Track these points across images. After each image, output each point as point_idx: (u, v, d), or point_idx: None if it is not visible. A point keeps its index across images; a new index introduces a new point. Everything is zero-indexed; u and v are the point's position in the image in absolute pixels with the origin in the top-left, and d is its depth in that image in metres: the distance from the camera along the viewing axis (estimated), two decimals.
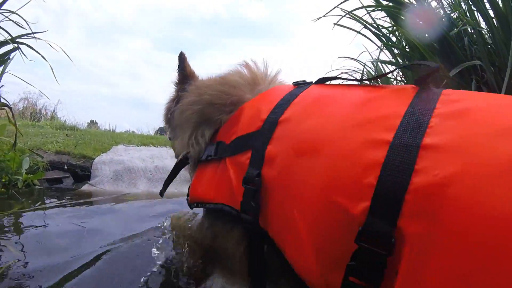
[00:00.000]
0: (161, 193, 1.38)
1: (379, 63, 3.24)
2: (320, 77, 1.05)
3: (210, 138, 1.16)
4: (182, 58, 1.51)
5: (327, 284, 0.69)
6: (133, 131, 12.54)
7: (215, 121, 1.15)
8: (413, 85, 0.81)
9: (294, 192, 0.78)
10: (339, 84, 1.03)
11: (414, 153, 0.61)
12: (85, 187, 2.95)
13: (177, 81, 1.52)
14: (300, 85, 1.06)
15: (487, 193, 0.51)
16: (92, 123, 13.18)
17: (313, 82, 1.08)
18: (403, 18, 2.67)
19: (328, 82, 0.99)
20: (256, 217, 0.86)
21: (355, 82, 0.95)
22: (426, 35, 2.57)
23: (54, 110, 12.17)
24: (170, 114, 1.48)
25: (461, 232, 0.51)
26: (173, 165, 1.32)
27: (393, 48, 3.06)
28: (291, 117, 0.91)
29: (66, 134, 4.56)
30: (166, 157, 3.36)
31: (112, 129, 11.82)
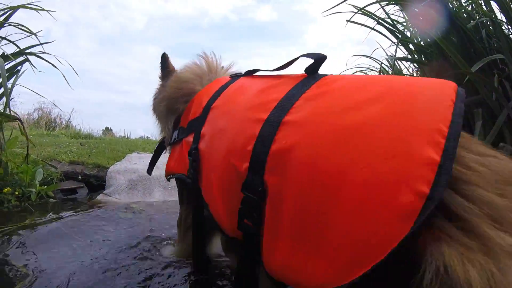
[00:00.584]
0: (148, 172, 1.79)
1: (395, 60, 3.12)
2: (248, 70, 1.35)
3: (174, 125, 1.51)
4: (164, 57, 1.78)
5: (232, 229, 0.95)
6: (147, 137, 12.60)
7: (175, 111, 1.50)
8: (304, 73, 1.01)
9: (212, 159, 1.10)
10: (259, 75, 1.30)
11: (275, 128, 0.85)
12: (100, 197, 2.90)
13: (160, 78, 1.81)
14: (234, 77, 1.36)
15: (317, 155, 0.73)
16: (107, 130, 13.26)
17: (243, 74, 1.37)
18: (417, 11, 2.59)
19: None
20: (195, 181, 1.18)
21: None
22: (443, 28, 2.47)
23: (69, 119, 12.32)
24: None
25: (300, 181, 0.74)
26: None
27: (409, 44, 2.96)
28: (218, 104, 1.22)
29: (80, 144, 4.54)
30: None
31: (127, 136, 11.90)
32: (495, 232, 0.58)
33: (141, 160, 3.54)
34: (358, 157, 0.69)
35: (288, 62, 1.12)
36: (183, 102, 1.46)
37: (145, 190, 2.90)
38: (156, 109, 1.75)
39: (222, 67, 1.63)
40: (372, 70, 3.51)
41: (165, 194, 2.87)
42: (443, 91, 0.75)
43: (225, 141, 1.03)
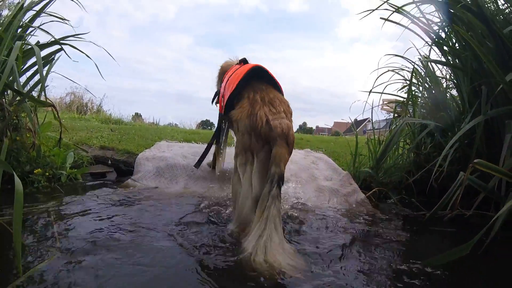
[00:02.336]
0: (196, 166, 2.78)
1: (428, 62, 3.04)
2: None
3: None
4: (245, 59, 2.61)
5: None
6: (175, 124, 12.77)
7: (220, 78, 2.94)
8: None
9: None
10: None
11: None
12: (128, 181, 2.97)
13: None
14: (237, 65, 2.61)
15: None
16: (137, 115, 13.48)
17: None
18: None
19: None
20: None
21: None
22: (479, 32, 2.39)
23: (100, 104, 12.51)
24: None
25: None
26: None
27: (443, 46, 2.88)
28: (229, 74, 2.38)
29: (111, 129, 4.64)
30: (209, 154, 3.36)
31: (156, 122, 12.09)
32: None
33: (169, 149, 3.59)
34: None
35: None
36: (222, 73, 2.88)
37: (171, 178, 2.94)
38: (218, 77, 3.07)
39: (238, 59, 2.71)
40: (404, 70, 3.44)
41: (189, 182, 2.90)
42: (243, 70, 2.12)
43: (228, 89, 2.15)
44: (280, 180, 1.63)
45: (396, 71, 3.40)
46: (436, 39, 2.86)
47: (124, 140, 4.07)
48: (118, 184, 2.96)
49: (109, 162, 3.45)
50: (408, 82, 3.42)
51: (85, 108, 11.97)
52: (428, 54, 2.90)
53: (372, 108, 3.44)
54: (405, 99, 3.53)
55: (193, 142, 4.18)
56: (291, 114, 1.94)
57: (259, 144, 1.76)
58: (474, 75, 2.56)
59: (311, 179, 3.04)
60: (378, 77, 3.18)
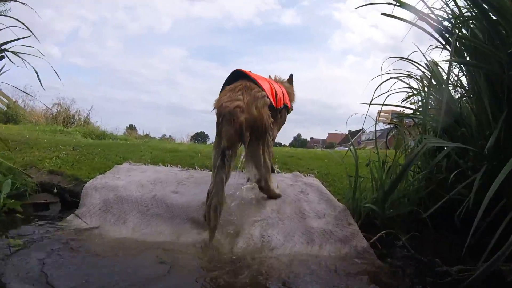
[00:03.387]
0: None
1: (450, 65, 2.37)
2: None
3: None
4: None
5: None
6: (170, 136, 12.46)
7: None
8: None
9: None
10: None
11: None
12: (70, 218, 2.35)
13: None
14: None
15: None
16: (131, 127, 13.09)
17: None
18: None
19: None
20: None
21: None
22: None
23: (88, 116, 12.20)
24: None
25: None
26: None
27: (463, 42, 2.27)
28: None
29: (73, 147, 4.01)
30: (172, 182, 2.70)
31: (147, 133, 11.81)
32: None
33: (127, 174, 2.94)
34: None
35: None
36: None
37: (120, 214, 2.31)
38: None
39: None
40: (411, 77, 2.80)
41: (141, 222, 2.26)
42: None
43: None
44: (223, 153, 2.01)
45: (401, 78, 2.75)
46: (449, 35, 2.24)
47: (81, 161, 3.43)
48: (59, 221, 2.36)
49: (55, 190, 2.83)
50: (413, 91, 2.83)
51: (72, 120, 11.58)
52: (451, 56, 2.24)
53: (376, 121, 2.83)
54: (413, 110, 2.93)
55: (160, 164, 3.55)
56: (257, 98, 2.20)
57: (220, 124, 2.12)
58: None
59: (297, 216, 2.32)
60: (380, 85, 2.51)
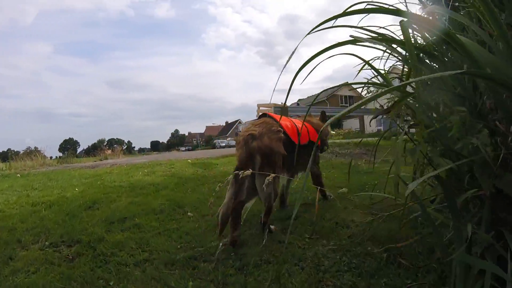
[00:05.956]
0: None
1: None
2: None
3: None
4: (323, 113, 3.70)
5: None
6: (36, 148, 11.11)
7: None
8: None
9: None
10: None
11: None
12: None
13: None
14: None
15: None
16: None
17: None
18: None
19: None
20: None
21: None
22: None
23: None
24: None
25: None
26: None
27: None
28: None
29: None
30: None
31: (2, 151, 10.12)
32: None
33: None
34: None
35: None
36: None
37: None
38: None
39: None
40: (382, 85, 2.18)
41: None
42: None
43: None
44: (236, 172, 2.08)
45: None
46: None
47: None
48: None
49: None
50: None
51: None
52: None
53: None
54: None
55: None
56: (271, 130, 2.58)
57: (237, 149, 2.60)
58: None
59: None
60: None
